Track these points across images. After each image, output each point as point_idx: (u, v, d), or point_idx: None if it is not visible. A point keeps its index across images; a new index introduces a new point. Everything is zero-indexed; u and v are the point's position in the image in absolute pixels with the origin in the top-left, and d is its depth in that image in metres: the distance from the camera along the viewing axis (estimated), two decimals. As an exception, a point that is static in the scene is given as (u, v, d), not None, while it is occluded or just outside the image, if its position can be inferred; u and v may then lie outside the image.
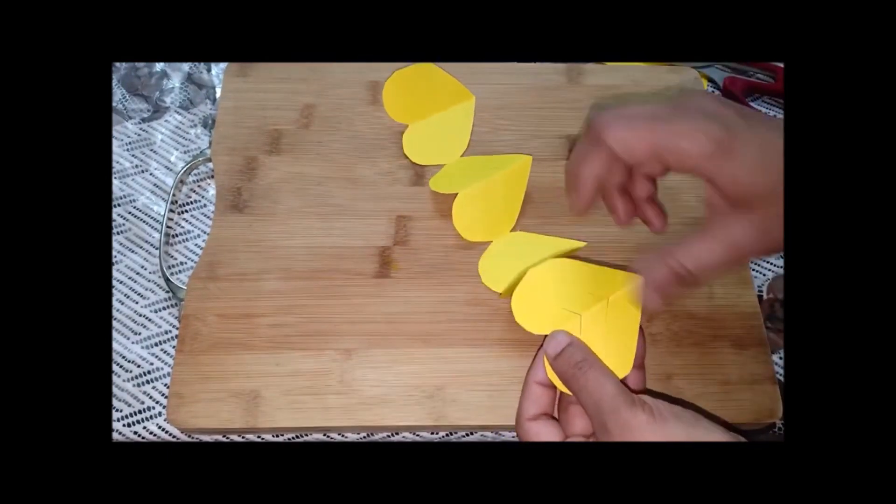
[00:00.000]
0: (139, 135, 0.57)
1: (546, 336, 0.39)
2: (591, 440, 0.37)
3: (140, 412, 0.46)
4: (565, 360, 0.37)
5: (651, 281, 0.37)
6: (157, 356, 0.47)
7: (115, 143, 0.56)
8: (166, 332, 0.48)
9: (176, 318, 0.49)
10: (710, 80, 0.61)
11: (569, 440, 0.37)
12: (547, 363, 0.38)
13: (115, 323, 0.48)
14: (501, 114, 0.56)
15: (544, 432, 0.37)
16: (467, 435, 0.46)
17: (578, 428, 0.38)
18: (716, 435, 0.33)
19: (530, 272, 0.41)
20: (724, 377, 0.45)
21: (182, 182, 0.54)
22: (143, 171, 0.55)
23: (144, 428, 0.45)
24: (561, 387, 0.38)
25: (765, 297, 0.51)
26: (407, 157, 0.53)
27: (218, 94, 0.59)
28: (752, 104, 0.59)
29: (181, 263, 0.51)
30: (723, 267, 0.37)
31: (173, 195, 0.53)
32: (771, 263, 0.52)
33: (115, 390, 0.46)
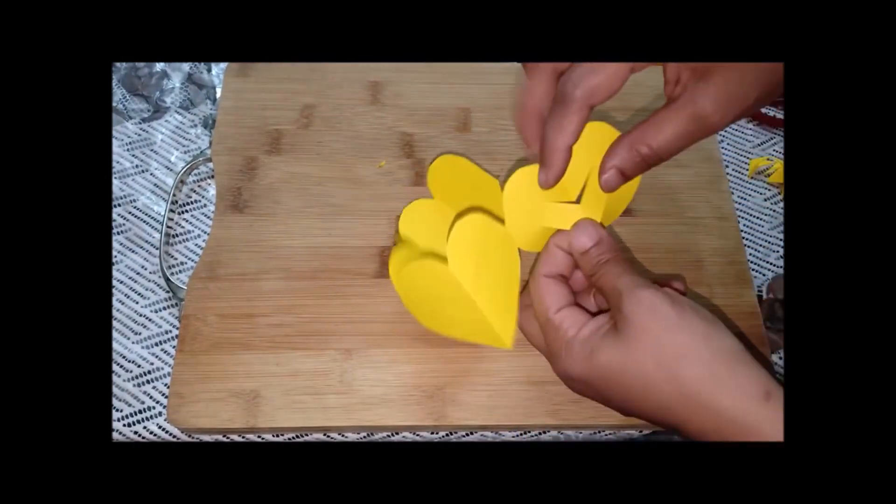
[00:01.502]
0: (139, 135, 0.57)
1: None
2: (602, 313, 0.37)
3: (140, 412, 0.46)
4: (593, 257, 0.37)
5: (615, 163, 0.36)
6: (157, 356, 0.47)
7: (115, 143, 0.56)
8: (166, 332, 0.48)
9: (176, 318, 0.49)
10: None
11: (576, 305, 0.38)
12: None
13: (115, 323, 0.48)
14: (501, 114, 0.56)
15: (555, 291, 0.38)
16: (467, 435, 0.46)
17: (591, 305, 0.39)
18: (728, 342, 0.33)
19: (507, 186, 0.39)
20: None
21: (182, 182, 0.54)
22: (143, 171, 0.55)
23: (144, 428, 0.45)
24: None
25: (765, 297, 0.51)
26: (406, 158, 0.54)
27: (218, 94, 0.59)
28: (752, 104, 0.59)
29: (181, 263, 0.51)
30: (687, 140, 0.36)
31: (173, 195, 0.53)
32: (771, 263, 0.52)
33: (115, 390, 0.46)
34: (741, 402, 0.32)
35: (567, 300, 0.38)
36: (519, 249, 0.41)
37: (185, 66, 0.60)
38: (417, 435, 0.45)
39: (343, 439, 0.45)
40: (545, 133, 0.37)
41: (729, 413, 0.32)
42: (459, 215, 0.41)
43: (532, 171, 0.39)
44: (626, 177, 0.37)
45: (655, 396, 0.34)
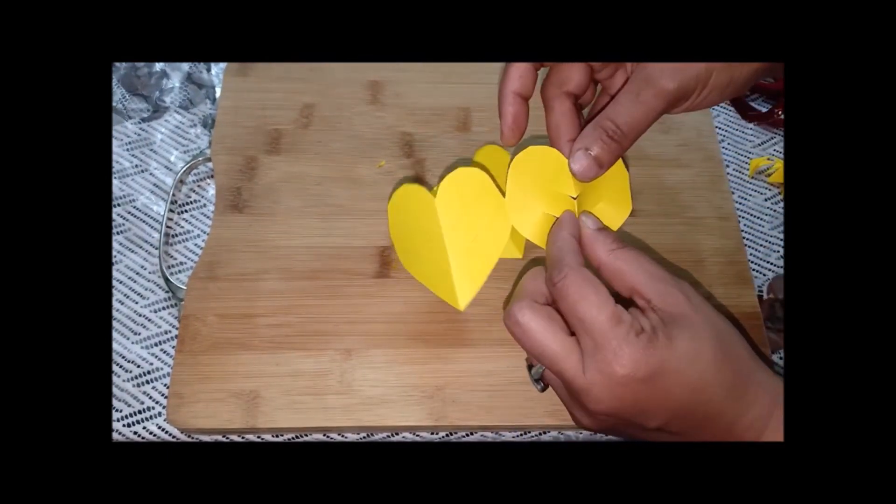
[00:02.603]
0: (139, 134, 0.57)
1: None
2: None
3: (140, 412, 0.45)
4: (603, 243, 0.36)
5: (583, 143, 0.37)
6: (157, 356, 0.47)
7: (115, 142, 0.56)
8: (166, 332, 0.48)
9: (176, 318, 0.49)
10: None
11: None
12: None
13: (115, 323, 0.48)
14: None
15: (602, 287, 0.34)
16: (467, 435, 0.45)
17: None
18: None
19: (512, 167, 0.40)
20: (725, 377, 0.45)
21: (182, 182, 0.54)
22: (142, 171, 0.55)
23: (144, 428, 0.45)
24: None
25: (765, 297, 0.51)
26: (406, 158, 0.54)
27: (218, 94, 0.59)
28: (752, 104, 0.59)
29: (181, 263, 0.51)
30: (646, 109, 0.36)
31: (173, 195, 0.53)
32: (771, 263, 0.52)
33: (115, 390, 0.46)
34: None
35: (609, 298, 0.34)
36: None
37: (185, 66, 0.60)
38: (417, 435, 0.45)
39: (343, 439, 0.45)
40: (500, 92, 0.39)
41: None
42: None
43: (538, 151, 0.39)
44: (598, 162, 0.37)
45: (719, 378, 0.33)
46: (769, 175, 0.56)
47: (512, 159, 0.40)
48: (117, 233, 0.52)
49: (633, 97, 0.36)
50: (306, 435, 0.45)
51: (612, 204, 0.40)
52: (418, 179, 0.53)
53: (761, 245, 0.53)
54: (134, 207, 0.53)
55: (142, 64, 0.60)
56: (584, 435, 0.45)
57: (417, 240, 0.44)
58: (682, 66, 0.36)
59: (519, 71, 0.39)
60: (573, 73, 0.39)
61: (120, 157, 0.55)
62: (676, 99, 0.36)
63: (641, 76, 0.36)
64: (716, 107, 0.59)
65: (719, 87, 0.37)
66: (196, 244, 0.52)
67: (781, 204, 0.54)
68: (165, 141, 0.56)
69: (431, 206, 0.42)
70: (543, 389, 0.37)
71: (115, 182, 0.54)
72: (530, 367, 0.38)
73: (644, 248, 0.50)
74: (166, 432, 0.45)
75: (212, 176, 0.54)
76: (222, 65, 0.60)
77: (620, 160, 0.39)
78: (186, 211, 0.53)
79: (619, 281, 0.35)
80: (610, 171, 0.38)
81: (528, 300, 0.35)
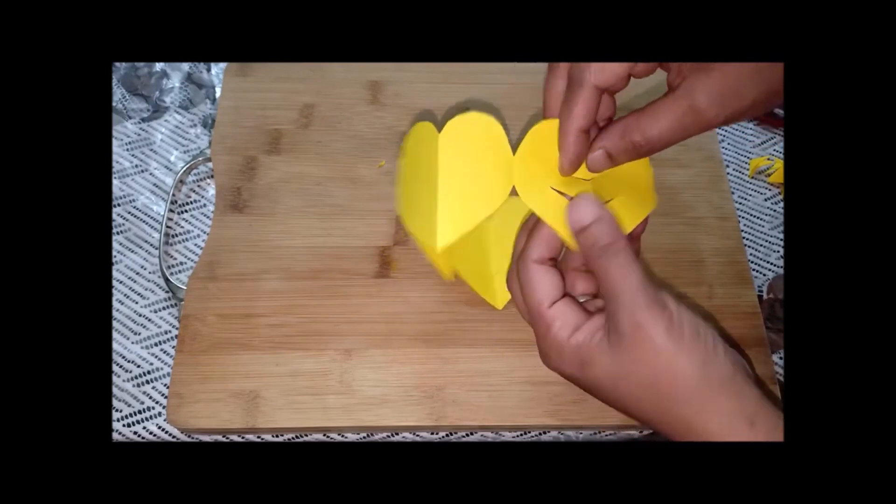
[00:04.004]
0: (139, 134, 0.57)
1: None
2: (591, 301, 0.37)
3: (140, 412, 0.45)
4: (591, 237, 0.34)
5: (604, 144, 0.36)
6: (157, 356, 0.47)
7: (115, 142, 0.56)
8: (166, 332, 0.48)
9: (176, 318, 0.49)
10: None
11: (567, 296, 0.36)
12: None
13: (115, 323, 0.48)
14: (501, 114, 0.56)
15: (547, 281, 0.36)
16: (467, 435, 0.46)
17: (580, 288, 0.37)
18: (724, 370, 0.33)
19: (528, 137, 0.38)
20: (724, 377, 0.45)
21: (182, 182, 0.54)
22: (142, 171, 0.55)
23: (144, 428, 0.45)
24: (571, 243, 0.36)
25: (765, 297, 0.51)
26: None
27: (218, 94, 0.59)
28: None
29: (181, 263, 0.51)
30: (681, 133, 0.34)
31: (173, 195, 0.53)
32: (771, 263, 0.52)
33: (115, 390, 0.46)
34: (726, 430, 0.32)
35: (559, 291, 0.36)
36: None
37: (185, 66, 0.60)
38: (417, 435, 0.45)
39: (343, 440, 0.45)
40: (559, 119, 0.36)
41: (715, 438, 0.32)
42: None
43: (549, 125, 0.37)
44: (613, 161, 0.36)
45: (644, 414, 0.34)
46: (769, 175, 0.56)
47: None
48: (117, 233, 0.52)
49: (673, 118, 0.34)
50: (306, 435, 0.45)
51: (633, 198, 0.38)
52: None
53: (761, 245, 0.53)
54: (134, 207, 0.53)
55: (142, 64, 0.60)
56: (584, 435, 0.45)
57: (418, 181, 0.41)
58: (728, 96, 0.33)
59: (586, 104, 0.35)
60: (614, 69, 0.36)
61: (120, 157, 0.55)
62: (711, 127, 0.35)
63: (685, 100, 0.34)
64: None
65: (761, 111, 0.36)
66: (196, 244, 0.52)
67: (781, 204, 0.54)
68: (165, 141, 0.56)
69: (436, 144, 0.39)
70: None
71: (115, 182, 0.54)
72: None
73: (645, 248, 0.50)
74: (166, 432, 0.45)
75: (212, 176, 0.54)
76: (222, 65, 0.60)
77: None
78: (186, 211, 0.53)
79: (600, 282, 0.35)
80: (632, 164, 0.36)
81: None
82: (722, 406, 0.32)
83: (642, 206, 0.38)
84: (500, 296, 0.46)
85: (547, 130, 0.37)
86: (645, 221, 0.39)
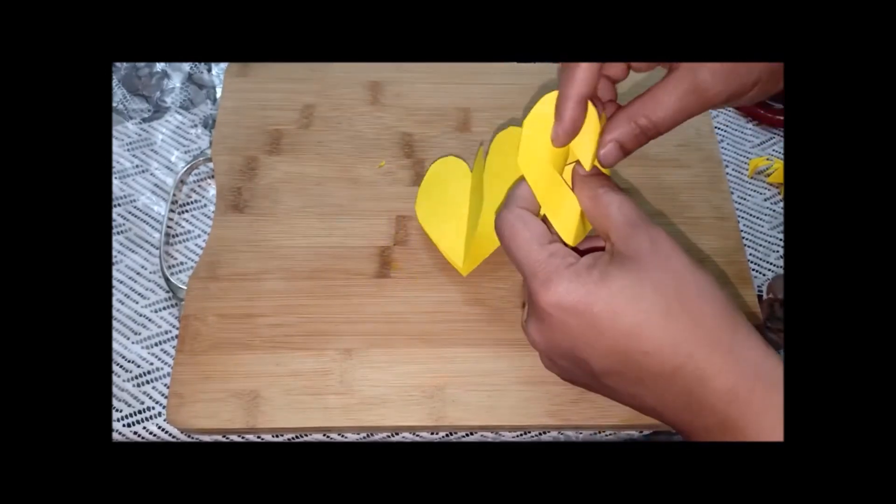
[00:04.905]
0: (139, 135, 0.57)
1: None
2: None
3: (140, 412, 0.46)
4: (591, 182, 0.36)
5: (614, 136, 0.36)
6: (157, 356, 0.47)
7: (115, 143, 0.56)
8: (166, 332, 0.48)
9: (176, 318, 0.49)
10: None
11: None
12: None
13: (115, 323, 0.48)
14: (501, 114, 0.56)
15: (538, 223, 0.36)
16: (467, 435, 0.46)
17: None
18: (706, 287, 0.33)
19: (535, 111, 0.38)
20: (724, 377, 0.45)
21: (182, 182, 0.54)
22: (143, 171, 0.55)
23: (144, 428, 0.45)
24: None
25: (765, 297, 0.51)
26: (406, 158, 0.54)
27: (218, 94, 0.59)
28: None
29: (181, 263, 0.51)
30: (686, 112, 0.35)
31: (174, 195, 0.53)
32: (771, 263, 0.52)
33: (115, 390, 0.46)
34: (755, 351, 0.34)
35: (550, 236, 0.36)
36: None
37: (186, 66, 0.60)
38: (417, 435, 0.45)
39: (343, 440, 0.45)
40: (559, 86, 0.36)
41: (747, 356, 0.33)
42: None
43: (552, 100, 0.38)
44: (625, 150, 0.36)
45: (670, 329, 0.32)
46: (769, 175, 0.56)
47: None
48: (118, 233, 0.52)
49: (676, 98, 0.34)
50: (306, 435, 0.45)
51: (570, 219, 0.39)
52: (419, 179, 0.53)
53: (761, 245, 0.53)
54: (134, 207, 0.53)
55: (143, 64, 0.60)
56: (584, 435, 0.45)
57: (444, 199, 0.49)
58: (731, 74, 0.34)
59: (585, 73, 0.35)
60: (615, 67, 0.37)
61: (120, 157, 0.55)
62: (720, 106, 0.35)
63: (688, 79, 0.34)
64: (716, 107, 0.59)
65: (764, 93, 0.36)
66: (196, 244, 0.52)
67: (781, 204, 0.54)
68: (166, 141, 0.56)
69: (467, 176, 0.49)
70: None
71: (115, 182, 0.54)
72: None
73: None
74: (166, 432, 0.45)
75: (212, 176, 0.54)
76: (223, 65, 0.60)
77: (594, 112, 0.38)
78: (187, 211, 0.53)
79: (597, 223, 0.36)
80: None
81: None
82: (745, 328, 0.33)
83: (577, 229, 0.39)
84: (466, 263, 0.48)
85: (548, 109, 0.37)
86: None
